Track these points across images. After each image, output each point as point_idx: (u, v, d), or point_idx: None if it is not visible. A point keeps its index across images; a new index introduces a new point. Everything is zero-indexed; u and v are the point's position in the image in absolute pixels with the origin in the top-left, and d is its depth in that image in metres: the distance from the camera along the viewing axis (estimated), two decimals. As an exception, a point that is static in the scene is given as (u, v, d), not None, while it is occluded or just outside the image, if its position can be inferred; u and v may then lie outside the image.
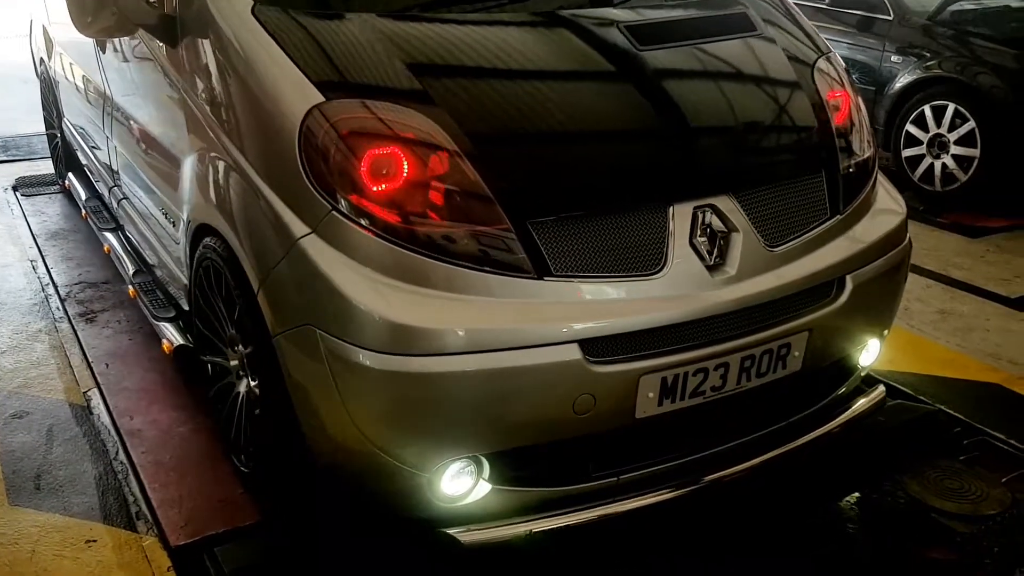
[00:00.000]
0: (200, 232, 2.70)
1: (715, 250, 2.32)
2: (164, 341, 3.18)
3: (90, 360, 3.49)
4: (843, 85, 2.85)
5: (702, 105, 2.57)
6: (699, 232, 2.31)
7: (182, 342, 3.10)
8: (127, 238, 3.96)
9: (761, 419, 2.56)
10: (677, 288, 2.25)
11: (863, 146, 2.76)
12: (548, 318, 2.12)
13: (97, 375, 3.38)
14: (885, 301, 2.75)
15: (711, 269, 2.30)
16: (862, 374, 2.88)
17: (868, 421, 2.86)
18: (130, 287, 3.60)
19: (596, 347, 2.16)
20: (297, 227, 2.20)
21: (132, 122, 3.44)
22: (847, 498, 2.85)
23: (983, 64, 5.50)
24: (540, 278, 2.15)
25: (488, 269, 2.13)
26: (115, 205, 4.02)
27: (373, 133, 2.18)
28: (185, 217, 2.82)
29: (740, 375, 2.37)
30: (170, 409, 3.16)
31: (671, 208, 2.30)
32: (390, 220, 2.12)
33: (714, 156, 2.52)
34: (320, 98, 2.22)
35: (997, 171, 5.49)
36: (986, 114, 5.43)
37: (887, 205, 2.81)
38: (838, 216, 2.58)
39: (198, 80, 2.68)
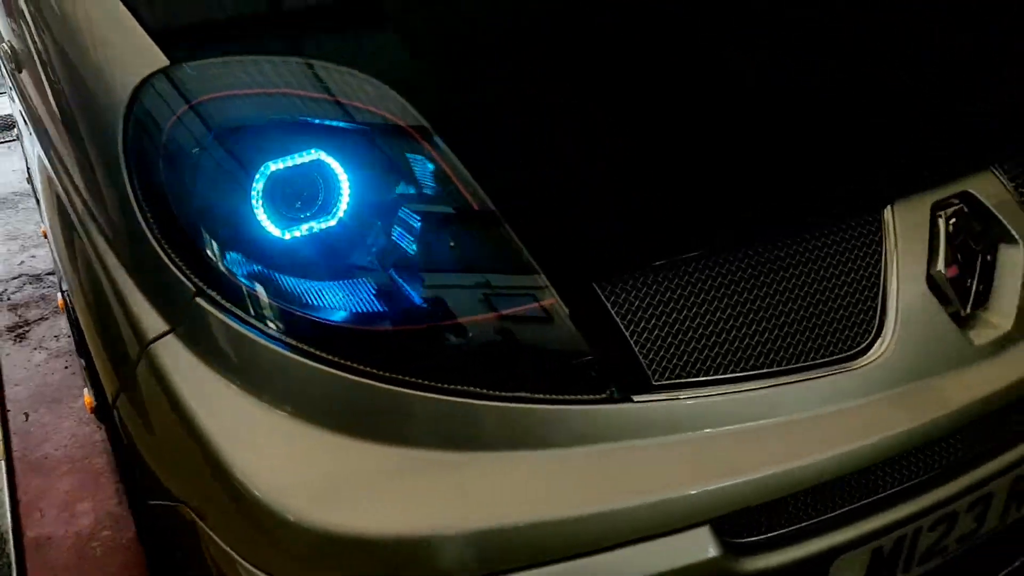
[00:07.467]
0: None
1: (972, 286, 1.18)
2: (87, 391, 2.20)
3: (6, 406, 2.53)
4: None
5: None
6: (943, 253, 1.16)
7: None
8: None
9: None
10: (904, 376, 1.13)
11: None
12: (655, 482, 1.03)
13: (12, 433, 2.42)
14: None
15: (963, 324, 1.17)
16: None
17: None
18: (59, 295, 2.62)
19: (744, 524, 1.08)
20: (148, 318, 1.12)
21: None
22: None
23: None
24: (628, 399, 1.05)
25: (538, 396, 1.03)
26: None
27: (273, 121, 1.07)
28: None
29: (1008, 507, 1.27)
30: (106, 497, 2.19)
31: (887, 212, 1.16)
32: (319, 309, 1.03)
33: (958, 99, 1.31)
34: (163, 60, 1.09)
35: None
36: None
37: None
38: None
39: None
